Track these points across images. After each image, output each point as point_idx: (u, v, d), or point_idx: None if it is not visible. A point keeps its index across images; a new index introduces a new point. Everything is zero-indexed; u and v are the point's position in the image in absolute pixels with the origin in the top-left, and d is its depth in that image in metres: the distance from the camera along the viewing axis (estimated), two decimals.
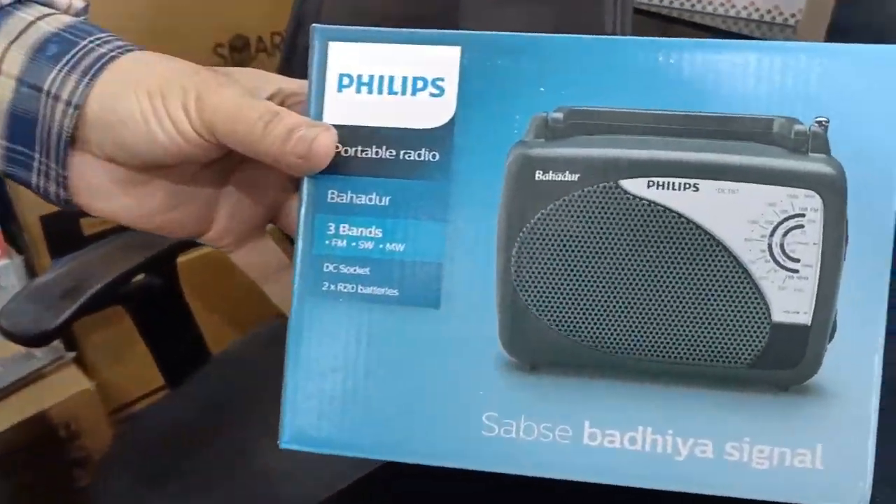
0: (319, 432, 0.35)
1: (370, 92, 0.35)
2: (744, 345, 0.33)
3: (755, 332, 0.33)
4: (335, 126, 0.35)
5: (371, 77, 0.35)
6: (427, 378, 0.35)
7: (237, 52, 1.14)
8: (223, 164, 0.40)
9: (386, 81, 0.35)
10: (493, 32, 0.34)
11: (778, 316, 0.33)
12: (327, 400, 0.35)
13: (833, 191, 0.32)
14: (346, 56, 0.35)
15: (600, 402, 0.34)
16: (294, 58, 0.80)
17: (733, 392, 0.33)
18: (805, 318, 0.32)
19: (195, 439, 0.63)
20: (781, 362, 0.33)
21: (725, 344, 0.33)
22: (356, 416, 0.35)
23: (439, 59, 0.34)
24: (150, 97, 0.34)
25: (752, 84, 0.33)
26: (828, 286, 0.32)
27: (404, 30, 0.35)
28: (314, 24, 0.36)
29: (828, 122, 0.32)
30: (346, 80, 0.35)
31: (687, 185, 0.33)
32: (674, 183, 0.33)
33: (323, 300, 0.35)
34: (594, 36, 0.34)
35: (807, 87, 0.32)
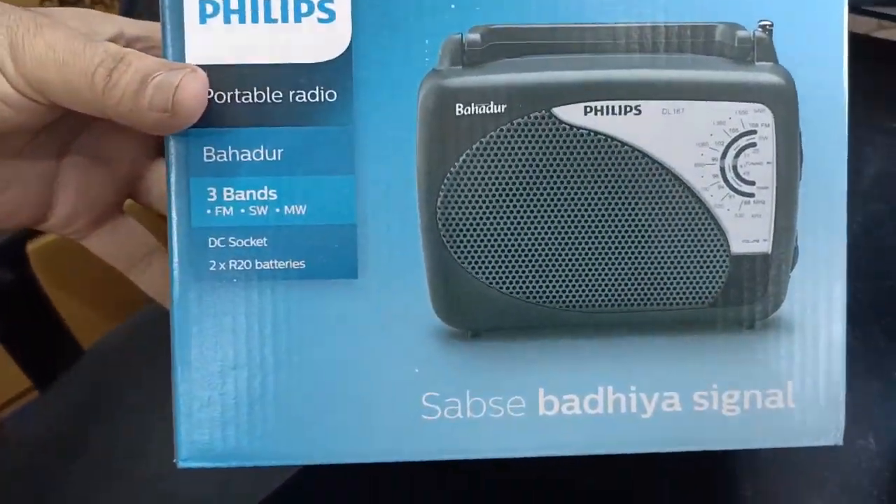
0: (225, 443, 0.28)
1: (242, 21, 0.28)
2: (703, 282, 0.29)
3: (714, 266, 0.29)
4: (202, 66, 0.27)
5: (241, 2, 0.28)
6: (351, 362, 0.29)
7: (69, 6, 1.00)
8: (60, 129, 0.31)
9: (261, 6, 0.28)
10: None
11: (737, 247, 0.29)
12: (231, 404, 0.28)
13: (783, 102, 0.29)
14: None
15: (553, 364, 0.29)
16: (135, 9, 0.68)
17: (695, 336, 0.29)
18: (765, 247, 0.29)
19: (69, 448, 0.55)
20: (744, 297, 0.29)
21: (683, 283, 0.29)
22: (269, 418, 0.29)
23: None
24: None
25: None
26: (786, 209, 0.29)
27: None
28: None
29: (772, 25, 0.29)
30: (209, 8, 0.28)
31: (628, 108, 0.28)
32: (613, 107, 0.28)
33: (211, 284, 0.28)
34: None
35: None
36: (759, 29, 0.29)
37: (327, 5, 0.28)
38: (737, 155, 0.29)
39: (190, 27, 0.28)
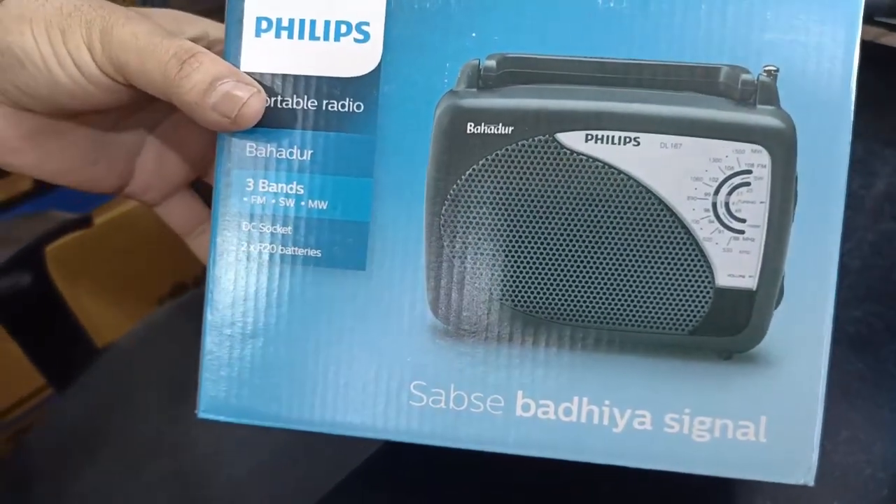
0: (239, 401, 0.32)
1: (291, 37, 0.31)
2: (685, 310, 0.30)
3: (697, 296, 0.29)
4: (253, 74, 0.31)
5: (291, 21, 0.31)
6: (353, 344, 0.31)
7: None
8: (147, 112, 0.36)
9: (307, 25, 0.31)
10: None
11: (722, 280, 0.29)
12: (247, 368, 0.32)
13: (782, 146, 0.29)
14: None
15: (534, 370, 0.30)
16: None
17: (673, 360, 0.30)
18: (751, 283, 0.29)
19: (88, 446, 0.56)
20: (725, 329, 0.29)
21: (666, 309, 0.30)
22: (277, 384, 0.32)
23: (364, 1, 0.30)
24: (49, 33, 0.30)
25: (699, 28, 0.29)
26: (775, 248, 0.29)
27: None
28: None
29: (777, 70, 0.29)
30: (264, 24, 0.31)
31: (627, 139, 0.29)
32: (613, 136, 0.30)
33: (241, 261, 0.31)
34: None
35: (759, 30, 0.29)
36: (765, 73, 0.29)
37: (363, 27, 0.31)
38: (730, 192, 0.29)
39: (246, 39, 0.31)
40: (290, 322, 0.32)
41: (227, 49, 0.32)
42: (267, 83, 0.31)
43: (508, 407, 0.31)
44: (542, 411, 0.30)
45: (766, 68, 0.29)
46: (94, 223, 0.91)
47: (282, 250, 0.31)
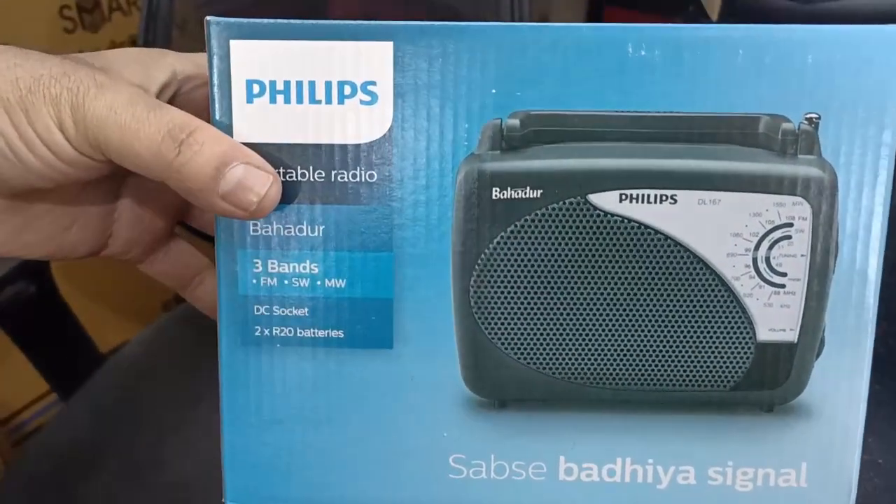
0: (269, 489, 0.30)
1: (287, 101, 0.27)
2: (727, 367, 0.29)
3: (739, 353, 0.29)
4: (248, 144, 0.27)
5: (287, 83, 0.27)
6: (384, 422, 0.29)
7: (87, 14, 0.94)
8: (115, 173, 0.32)
9: (306, 88, 0.27)
10: (432, 23, 0.27)
11: (763, 335, 0.28)
12: (272, 453, 0.30)
13: (823, 196, 0.27)
14: (253, 57, 0.27)
15: (575, 435, 0.30)
16: (158, 14, 0.65)
17: (715, 415, 0.29)
18: (791, 336, 0.28)
19: (92, 456, 0.54)
20: (766, 383, 0.29)
21: (707, 368, 0.29)
22: (307, 468, 0.30)
23: (369, 59, 0.27)
24: (10, 114, 0.26)
25: (736, 77, 0.27)
26: (816, 301, 0.28)
27: (323, 22, 0.27)
28: (208, 17, 0.27)
29: (819, 118, 0.27)
30: (256, 88, 0.27)
31: (664, 198, 0.27)
32: (649, 195, 0.28)
33: (257, 347, 0.29)
34: (551, 24, 0.27)
35: (799, 78, 0.27)
36: (806, 122, 0.27)
37: (370, 88, 0.27)
38: (770, 247, 0.28)
39: (237, 106, 0.27)
40: (316, 406, 0.30)
41: (216, 117, 0.28)
42: (265, 154, 0.28)
43: (551, 473, 0.30)
44: (586, 474, 0.30)
45: (808, 116, 0.27)
46: None
47: (301, 333, 0.29)
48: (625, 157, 0.28)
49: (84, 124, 0.26)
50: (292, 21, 0.27)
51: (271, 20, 0.27)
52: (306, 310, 0.29)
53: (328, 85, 0.27)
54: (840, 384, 0.29)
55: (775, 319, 0.28)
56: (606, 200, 0.28)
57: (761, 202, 0.28)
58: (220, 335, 0.29)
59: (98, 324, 0.71)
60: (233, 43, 0.27)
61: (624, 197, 0.28)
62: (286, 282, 0.29)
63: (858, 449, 0.29)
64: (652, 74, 0.27)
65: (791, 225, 0.28)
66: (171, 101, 0.30)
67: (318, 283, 0.29)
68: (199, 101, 0.31)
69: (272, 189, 0.26)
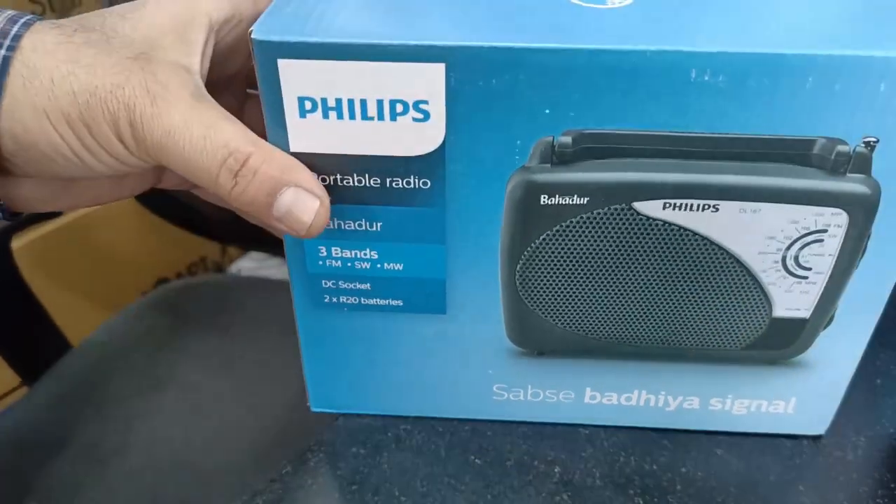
0: (346, 401, 0.36)
1: (340, 117, 0.27)
2: (741, 334, 0.32)
3: (755, 325, 0.32)
4: (305, 154, 0.28)
5: (339, 101, 0.27)
6: (438, 363, 0.34)
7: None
8: None
9: (358, 106, 0.27)
10: (484, 44, 0.26)
11: (779, 313, 0.31)
12: (346, 379, 0.35)
13: (863, 209, 0.28)
14: (302, 76, 0.26)
15: (601, 374, 0.34)
16: None
17: (724, 366, 0.34)
18: (805, 314, 0.31)
19: (56, 442, 0.53)
20: (774, 346, 0.32)
21: (725, 334, 0.32)
22: (382, 388, 0.36)
23: (420, 80, 0.26)
24: (73, 127, 0.27)
25: (804, 103, 0.26)
26: (834, 290, 0.31)
27: (371, 42, 0.26)
28: (252, 34, 0.26)
29: (877, 141, 0.27)
30: (308, 105, 0.27)
31: (706, 206, 0.29)
32: (692, 204, 0.29)
33: (327, 310, 0.33)
34: (612, 47, 0.25)
35: (867, 106, 0.26)
36: (863, 144, 0.27)
37: (422, 106, 0.27)
38: (802, 248, 0.30)
39: (291, 120, 0.28)
40: (384, 352, 0.34)
41: (270, 130, 0.28)
42: (322, 162, 0.29)
43: (578, 398, 0.35)
44: (607, 399, 0.35)
45: (866, 139, 0.27)
46: (65, 217, 0.82)
47: (364, 301, 0.33)
48: (673, 171, 0.28)
49: (144, 145, 0.27)
50: (341, 41, 0.26)
51: (319, 40, 0.26)
52: (368, 285, 0.32)
53: (380, 103, 0.27)
54: (840, 346, 0.32)
55: (793, 301, 0.31)
56: (650, 208, 0.29)
57: (800, 213, 0.29)
58: (294, 299, 0.33)
59: (69, 316, 0.67)
60: (280, 62, 0.26)
61: (667, 205, 0.29)
62: (349, 264, 0.31)
63: (843, 392, 0.34)
64: (714, 99, 0.26)
65: (826, 231, 0.29)
66: (214, 49, 0.30)
67: (378, 265, 0.31)
68: (236, 43, 0.31)
69: (319, 215, 0.28)
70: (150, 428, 0.54)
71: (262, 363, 0.59)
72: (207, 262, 1.25)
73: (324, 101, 0.27)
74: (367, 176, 0.29)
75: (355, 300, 0.32)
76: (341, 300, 0.32)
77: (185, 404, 0.56)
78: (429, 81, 0.26)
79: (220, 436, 0.53)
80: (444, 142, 0.27)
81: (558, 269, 0.31)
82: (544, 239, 0.30)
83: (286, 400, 0.55)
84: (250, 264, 1.33)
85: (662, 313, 0.32)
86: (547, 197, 0.29)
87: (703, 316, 0.32)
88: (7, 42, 0.26)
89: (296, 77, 0.26)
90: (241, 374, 0.59)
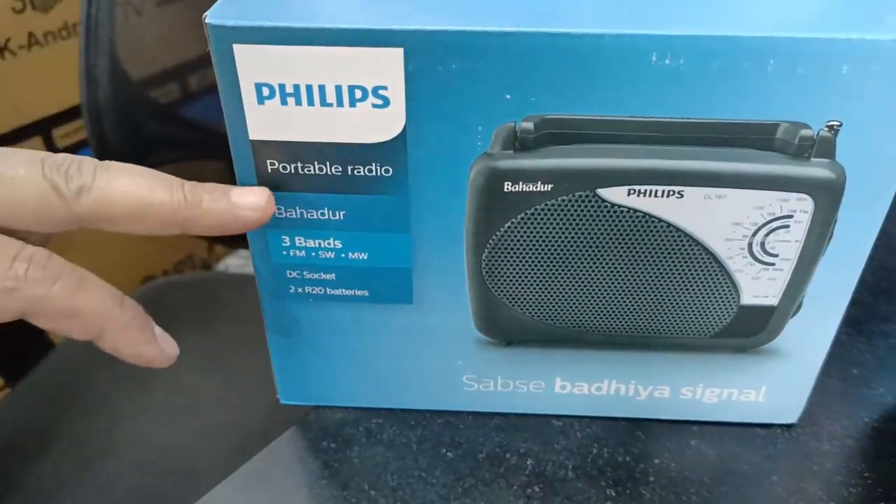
0: (313, 392, 0.36)
1: (298, 104, 0.27)
2: (709, 322, 0.32)
3: (722, 312, 0.32)
4: (265, 142, 0.28)
5: (297, 87, 0.26)
6: (407, 354, 0.34)
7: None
8: None
9: (316, 92, 0.27)
10: (442, 28, 0.25)
11: (747, 300, 0.31)
12: (313, 370, 0.35)
13: (828, 194, 0.28)
14: (258, 61, 0.26)
15: (570, 364, 0.34)
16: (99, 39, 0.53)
17: (693, 354, 0.33)
18: (773, 301, 0.31)
19: (39, 443, 0.52)
20: (743, 333, 0.32)
21: (692, 322, 0.32)
22: (350, 378, 0.35)
23: (378, 65, 0.26)
24: None
25: (765, 86, 0.26)
26: (801, 276, 0.30)
27: (327, 27, 0.25)
28: (206, 19, 0.26)
29: (840, 125, 0.26)
30: (265, 91, 0.27)
31: (671, 192, 0.28)
32: (656, 190, 0.28)
33: (293, 301, 0.32)
34: (571, 31, 0.25)
35: (830, 89, 0.25)
36: (826, 128, 0.27)
37: (381, 92, 0.26)
38: (767, 234, 0.29)
39: (249, 107, 0.27)
40: (347, 340, 0.34)
41: (229, 118, 0.28)
42: (282, 150, 0.28)
43: (548, 388, 0.35)
44: (577, 389, 0.35)
45: (829, 123, 0.26)
46: None
47: (330, 291, 0.32)
48: (637, 157, 0.27)
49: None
50: (297, 25, 0.25)
51: (274, 24, 0.25)
52: (333, 275, 0.31)
53: (338, 89, 0.26)
54: (810, 334, 0.32)
55: (760, 288, 0.31)
56: (614, 194, 0.28)
57: (765, 198, 0.28)
58: (260, 290, 0.32)
59: None
60: (236, 47, 0.26)
61: (632, 191, 0.28)
62: (313, 254, 0.31)
63: (813, 380, 0.34)
64: (675, 83, 0.26)
65: (791, 216, 0.29)
66: None
67: (343, 255, 0.31)
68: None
69: (248, 213, 0.28)
70: (135, 427, 0.53)
71: (249, 361, 0.58)
72: (195, 260, 1.25)
73: (282, 87, 0.26)
74: (328, 164, 0.28)
75: (321, 290, 0.32)
76: (306, 290, 0.32)
77: (171, 403, 0.55)
78: (387, 67, 0.26)
79: (206, 434, 0.52)
80: (404, 128, 0.27)
81: (524, 257, 0.30)
82: (509, 227, 0.29)
83: (273, 398, 0.54)
84: (238, 261, 1.32)
85: (630, 301, 0.31)
86: (511, 184, 0.28)
87: (671, 304, 0.31)
88: None
89: (252, 62, 0.26)
90: (227, 371, 0.58)
